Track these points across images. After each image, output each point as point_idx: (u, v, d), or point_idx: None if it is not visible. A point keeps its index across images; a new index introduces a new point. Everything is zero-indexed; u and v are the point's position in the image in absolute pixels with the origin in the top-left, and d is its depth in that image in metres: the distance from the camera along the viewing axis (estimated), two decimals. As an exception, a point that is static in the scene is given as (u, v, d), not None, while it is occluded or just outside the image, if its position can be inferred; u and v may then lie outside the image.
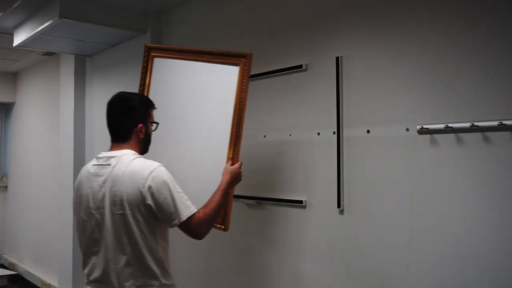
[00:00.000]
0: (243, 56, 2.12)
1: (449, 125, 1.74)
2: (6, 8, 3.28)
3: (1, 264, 6.16)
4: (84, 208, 1.84)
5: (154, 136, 2.01)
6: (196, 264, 3.01)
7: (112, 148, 1.90)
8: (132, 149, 1.87)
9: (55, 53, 4.66)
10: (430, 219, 1.84)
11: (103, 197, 1.78)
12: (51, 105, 4.99)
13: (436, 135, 1.82)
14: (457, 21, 1.78)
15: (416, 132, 1.85)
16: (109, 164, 1.81)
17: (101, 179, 1.80)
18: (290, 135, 2.42)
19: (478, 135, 1.70)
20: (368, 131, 2.06)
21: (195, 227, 1.77)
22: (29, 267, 5.53)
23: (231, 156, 2.10)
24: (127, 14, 3.36)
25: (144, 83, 2.46)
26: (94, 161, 1.88)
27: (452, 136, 1.77)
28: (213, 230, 1.89)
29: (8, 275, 5.53)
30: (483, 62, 1.70)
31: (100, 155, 1.87)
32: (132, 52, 3.61)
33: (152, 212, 1.74)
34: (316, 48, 2.30)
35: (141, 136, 1.91)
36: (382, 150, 2.01)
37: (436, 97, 1.83)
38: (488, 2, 1.70)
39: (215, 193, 1.94)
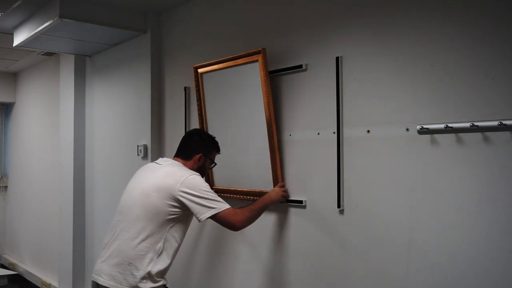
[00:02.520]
0: (259, 52, 2.41)
1: (449, 125, 1.74)
2: (6, 8, 3.28)
3: (1, 264, 6.16)
4: (127, 187, 2.27)
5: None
6: (195, 263, 3.01)
7: (173, 158, 2.32)
8: (185, 166, 2.25)
9: (55, 53, 4.66)
10: (430, 219, 1.84)
11: (143, 181, 2.19)
12: (51, 105, 4.99)
13: (436, 135, 1.82)
14: (457, 21, 1.78)
15: (416, 132, 1.85)
16: (161, 165, 2.24)
17: (148, 171, 2.26)
18: (290, 135, 2.42)
19: (478, 135, 1.70)
20: (368, 131, 2.06)
21: (224, 223, 2.10)
22: (29, 267, 5.53)
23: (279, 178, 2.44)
24: (127, 14, 3.36)
25: (200, 98, 2.88)
26: (155, 161, 2.33)
27: (452, 136, 1.77)
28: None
29: (8, 275, 5.52)
30: (483, 62, 1.70)
31: (162, 158, 2.33)
32: (132, 52, 3.61)
33: (175, 207, 2.08)
34: (316, 48, 2.30)
35: (198, 164, 2.29)
36: (382, 150, 2.01)
37: (436, 97, 1.83)
38: (488, 1, 1.70)
39: (258, 201, 2.27)
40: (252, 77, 2.46)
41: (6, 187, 6.32)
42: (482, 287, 1.68)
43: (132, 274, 2.05)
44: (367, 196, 2.06)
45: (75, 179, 4.23)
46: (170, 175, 2.14)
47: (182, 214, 2.12)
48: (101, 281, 2.11)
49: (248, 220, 2.16)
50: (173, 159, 2.31)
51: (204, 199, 2.08)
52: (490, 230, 1.67)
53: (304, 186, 2.34)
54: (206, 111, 2.85)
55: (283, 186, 2.41)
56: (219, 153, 2.45)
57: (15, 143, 6.10)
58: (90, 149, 4.21)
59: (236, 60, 2.56)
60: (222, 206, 2.09)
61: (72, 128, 4.23)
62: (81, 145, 4.26)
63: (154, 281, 2.07)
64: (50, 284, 4.86)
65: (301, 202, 2.34)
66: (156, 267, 2.06)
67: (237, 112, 2.63)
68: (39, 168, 5.35)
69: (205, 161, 2.33)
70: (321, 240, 2.25)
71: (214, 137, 2.42)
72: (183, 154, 2.31)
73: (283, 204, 2.43)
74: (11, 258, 5.99)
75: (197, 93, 2.88)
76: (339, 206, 2.15)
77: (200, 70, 2.84)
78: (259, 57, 2.40)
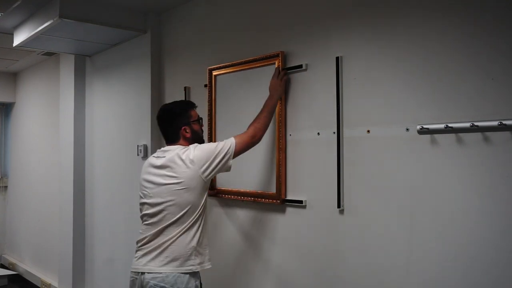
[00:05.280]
0: (277, 55, 2.44)
1: (449, 125, 1.74)
2: (6, 8, 3.28)
3: (1, 264, 6.16)
4: (143, 187, 2.25)
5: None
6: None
7: (167, 145, 2.30)
8: (182, 145, 2.25)
9: (55, 53, 4.66)
10: (430, 219, 1.83)
11: (161, 179, 2.17)
12: (51, 105, 4.99)
13: (436, 135, 1.82)
14: (457, 21, 1.78)
15: (416, 132, 1.85)
16: (164, 156, 2.21)
17: (157, 166, 2.20)
18: (290, 135, 2.42)
19: (478, 135, 1.70)
20: (368, 131, 2.06)
21: (243, 150, 2.25)
22: (29, 267, 5.53)
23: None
24: (127, 14, 3.36)
25: (211, 99, 2.89)
26: (155, 154, 2.30)
27: (452, 136, 1.77)
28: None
29: (8, 275, 5.53)
30: (483, 62, 1.70)
31: (159, 150, 2.30)
32: (132, 52, 3.61)
33: (205, 179, 2.14)
34: (316, 48, 2.30)
35: (188, 135, 2.28)
36: (382, 150, 2.01)
37: (436, 97, 1.83)
38: (488, 1, 1.70)
39: (262, 110, 2.33)
40: (266, 79, 2.46)
41: (6, 187, 6.32)
42: (482, 287, 1.68)
43: (185, 263, 2.13)
44: (367, 196, 2.06)
45: (75, 179, 4.23)
46: (181, 163, 2.13)
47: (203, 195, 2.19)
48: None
49: (263, 131, 2.29)
50: (167, 145, 2.30)
51: (219, 158, 2.16)
52: (490, 230, 1.67)
53: (304, 186, 2.34)
54: (216, 112, 2.86)
55: (282, 74, 2.38)
56: (197, 106, 2.39)
57: (15, 143, 6.10)
58: (90, 149, 4.21)
59: (253, 63, 2.58)
60: (230, 146, 2.19)
61: (72, 128, 4.23)
62: (81, 145, 4.26)
63: (201, 254, 2.17)
64: (50, 284, 4.86)
65: (301, 202, 2.34)
66: (197, 239, 2.16)
67: (247, 113, 2.61)
68: (39, 168, 5.35)
69: (191, 128, 2.29)
70: (321, 240, 2.25)
71: (180, 100, 2.42)
72: (171, 138, 2.28)
73: (283, 204, 2.43)
74: (11, 258, 5.99)
75: (209, 94, 2.88)
76: (339, 206, 2.15)
77: (214, 73, 2.85)
78: (277, 60, 2.43)
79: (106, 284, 3.95)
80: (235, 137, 2.24)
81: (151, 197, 2.20)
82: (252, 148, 2.51)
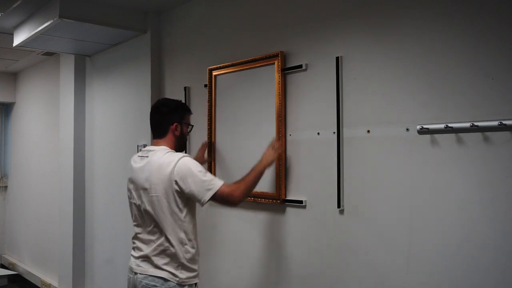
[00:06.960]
0: (276, 55, 2.45)
1: (449, 125, 1.74)
2: (6, 8, 3.28)
3: (1, 264, 6.16)
4: (131, 190, 2.21)
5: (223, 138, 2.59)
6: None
7: (153, 144, 2.24)
8: (167, 145, 2.19)
9: (55, 53, 4.66)
10: (430, 219, 1.84)
11: (142, 182, 2.12)
12: (51, 105, 5.00)
13: (436, 135, 1.82)
14: (457, 21, 1.78)
15: (416, 132, 1.85)
16: (147, 156, 2.16)
17: (140, 168, 2.16)
18: (290, 135, 2.42)
19: (478, 135, 1.70)
20: (368, 131, 2.06)
21: (222, 201, 2.10)
22: (29, 267, 5.53)
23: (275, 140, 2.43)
24: (127, 14, 3.36)
25: (210, 99, 2.89)
26: (139, 153, 2.25)
27: (452, 136, 1.77)
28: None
29: (8, 275, 5.53)
30: (483, 62, 1.70)
31: (144, 148, 2.25)
32: (132, 52, 3.61)
33: (180, 194, 2.06)
34: (316, 48, 2.30)
35: (177, 133, 2.22)
36: (382, 150, 2.01)
37: (436, 97, 1.83)
38: (488, 1, 1.70)
39: (251, 171, 2.22)
40: (266, 79, 2.47)
41: (6, 187, 6.32)
42: (482, 287, 1.68)
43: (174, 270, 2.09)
44: (367, 196, 2.06)
45: (75, 179, 4.23)
46: (160, 172, 2.07)
47: (187, 199, 2.10)
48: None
49: (244, 195, 2.14)
50: (154, 142, 2.23)
51: (199, 182, 2.04)
52: (490, 230, 1.67)
53: (304, 186, 2.34)
54: (216, 112, 2.86)
55: (278, 144, 2.36)
56: (192, 113, 2.36)
57: (15, 143, 6.10)
58: (90, 149, 4.21)
59: (253, 63, 2.58)
60: (216, 183, 2.06)
61: (72, 128, 4.23)
62: (81, 145, 4.26)
63: (189, 270, 2.10)
64: (50, 284, 4.86)
65: (301, 202, 2.34)
66: (187, 255, 2.09)
67: (247, 113, 2.64)
68: (39, 168, 5.35)
69: (181, 128, 2.24)
70: (321, 240, 2.25)
71: (180, 100, 2.36)
72: (159, 132, 2.21)
73: (283, 204, 2.43)
74: (11, 258, 5.99)
75: (209, 94, 2.89)
76: (339, 206, 2.15)
77: (214, 73, 2.86)
78: (276, 60, 2.44)
79: (106, 284, 3.95)
80: (224, 183, 2.09)
81: (134, 198, 2.19)
82: (253, 148, 2.51)
